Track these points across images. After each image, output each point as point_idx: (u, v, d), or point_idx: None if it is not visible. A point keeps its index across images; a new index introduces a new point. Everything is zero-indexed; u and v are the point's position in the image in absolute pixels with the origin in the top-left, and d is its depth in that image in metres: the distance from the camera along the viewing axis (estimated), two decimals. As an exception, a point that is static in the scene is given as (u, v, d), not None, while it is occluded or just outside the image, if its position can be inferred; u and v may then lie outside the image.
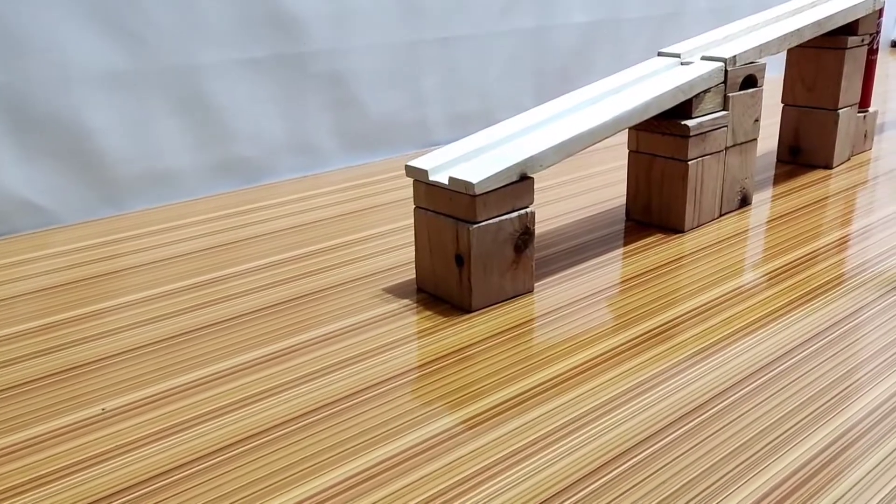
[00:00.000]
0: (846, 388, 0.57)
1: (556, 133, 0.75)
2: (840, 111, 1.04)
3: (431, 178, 0.69)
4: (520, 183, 0.70)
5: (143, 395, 0.57)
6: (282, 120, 1.10)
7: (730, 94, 0.87)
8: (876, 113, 1.14)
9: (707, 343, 0.64)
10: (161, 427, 0.53)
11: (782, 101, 1.08)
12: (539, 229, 0.73)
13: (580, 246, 0.84)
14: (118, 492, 0.47)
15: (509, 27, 1.30)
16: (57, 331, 0.66)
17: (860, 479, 0.48)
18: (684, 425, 0.53)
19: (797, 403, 0.56)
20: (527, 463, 0.50)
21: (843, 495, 0.47)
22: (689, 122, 0.83)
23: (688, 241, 0.85)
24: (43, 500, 0.47)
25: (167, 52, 0.98)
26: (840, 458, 0.50)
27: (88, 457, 0.50)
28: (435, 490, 0.48)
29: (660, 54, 0.93)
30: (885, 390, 0.57)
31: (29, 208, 0.91)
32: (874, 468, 0.49)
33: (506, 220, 0.70)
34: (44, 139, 0.90)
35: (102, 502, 0.46)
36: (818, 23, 0.98)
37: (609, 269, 0.79)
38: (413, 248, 0.74)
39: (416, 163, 0.71)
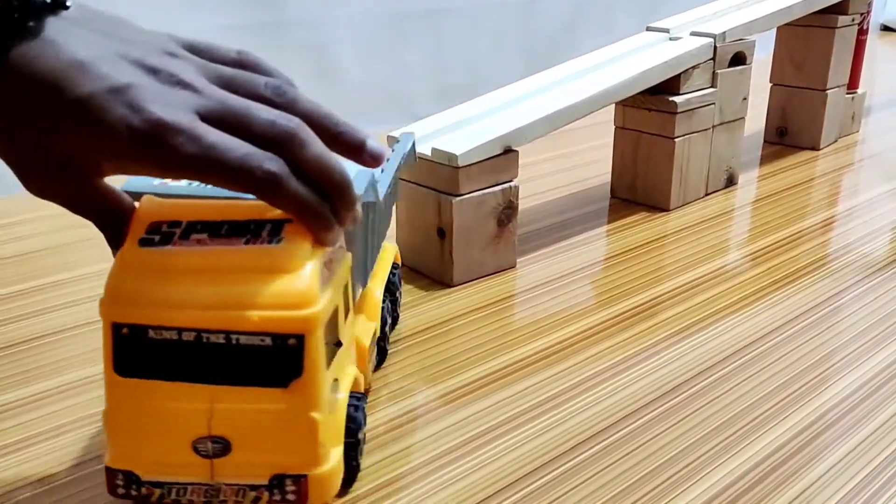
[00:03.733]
0: (826, 370, 0.57)
1: (542, 106, 0.73)
2: (829, 92, 1.03)
3: (414, 149, 0.68)
4: (504, 156, 0.69)
5: None
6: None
7: (718, 71, 0.86)
8: (865, 94, 1.13)
9: (689, 322, 0.63)
10: None
11: (770, 81, 1.07)
12: (522, 205, 0.71)
13: (564, 222, 0.83)
14: (85, 463, 0.46)
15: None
16: None
17: (839, 461, 0.47)
18: (664, 404, 0.53)
19: (778, 384, 0.55)
20: (505, 438, 0.49)
21: (821, 476, 0.46)
22: (677, 99, 0.81)
23: (673, 220, 0.84)
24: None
25: (147, 17, 0.95)
26: (819, 438, 0.49)
27: None
28: (410, 465, 0.47)
29: (648, 29, 0.91)
30: (865, 372, 0.56)
31: None
32: (854, 449, 0.48)
33: (489, 193, 0.68)
34: None
35: None
36: (808, 0, 0.97)
37: (593, 246, 0.78)
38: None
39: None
